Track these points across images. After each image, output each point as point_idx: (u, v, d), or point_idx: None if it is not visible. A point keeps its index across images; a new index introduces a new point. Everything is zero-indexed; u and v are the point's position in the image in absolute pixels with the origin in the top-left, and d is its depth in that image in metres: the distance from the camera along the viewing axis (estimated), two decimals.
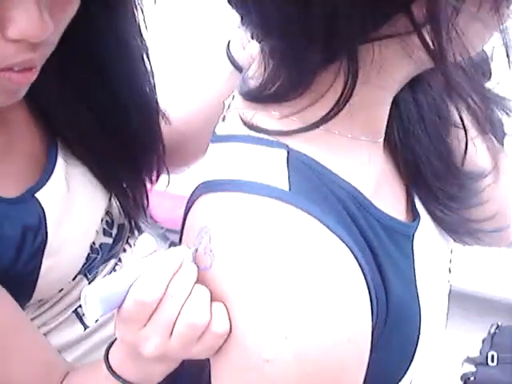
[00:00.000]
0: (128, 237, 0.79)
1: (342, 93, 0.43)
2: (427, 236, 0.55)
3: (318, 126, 0.46)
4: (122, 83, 0.70)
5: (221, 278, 0.44)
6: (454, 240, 0.59)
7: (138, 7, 0.66)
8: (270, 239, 0.43)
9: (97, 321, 0.76)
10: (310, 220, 0.43)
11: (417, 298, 0.51)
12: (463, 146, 0.56)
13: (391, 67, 0.44)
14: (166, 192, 0.94)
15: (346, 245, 0.44)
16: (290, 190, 0.44)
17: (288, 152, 0.46)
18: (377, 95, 0.47)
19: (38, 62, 0.54)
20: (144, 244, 0.47)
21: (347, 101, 0.44)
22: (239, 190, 0.45)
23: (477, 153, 0.57)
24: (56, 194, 0.67)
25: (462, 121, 0.54)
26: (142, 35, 0.69)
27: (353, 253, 0.44)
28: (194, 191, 0.50)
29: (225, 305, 0.44)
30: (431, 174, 0.54)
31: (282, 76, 0.45)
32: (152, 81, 0.73)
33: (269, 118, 0.47)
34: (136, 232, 0.80)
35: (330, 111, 0.45)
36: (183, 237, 0.51)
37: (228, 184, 0.46)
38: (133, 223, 0.78)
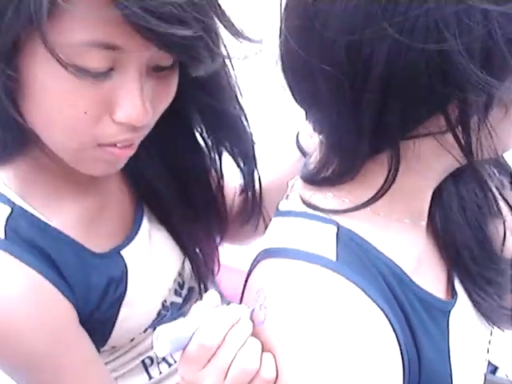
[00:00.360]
0: (196, 299, 0.87)
1: (386, 180, 0.51)
2: (464, 315, 0.59)
3: (364, 207, 0.53)
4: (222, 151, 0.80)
5: (271, 332, 0.51)
6: (489, 324, 0.63)
7: (235, 83, 0.74)
8: (314, 301, 0.49)
9: (161, 373, 0.83)
10: (351, 286, 0.49)
11: (449, 370, 0.55)
12: (502, 234, 0.61)
13: (429, 160, 0.51)
14: (234, 268, 1.02)
15: (383, 311, 0.49)
16: (336, 260, 0.51)
17: (338, 228, 0.53)
18: (418, 183, 0.54)
19: (136, 140, 0.64)
20: (210, 298, 0.55)
21: (389, 187, 0.51)
22: (293, 257, 0.52)
23: None
24: (138, 252, 0.76)
25: (499, 211, 0.60)
26: (238, 101, 0.76)
27: (388, 319, 0.50)
28: (256, 257, 0.57)
29: (273, 355, 0.50)
30: (470, 258, 0.60)
31: (335, 164, 0.53)
32: (252, 140, 0.81)
33: (323, 198, 0.55)
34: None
35: (375, 195, 0.52)
36: (244, 296, 0.58)
37: (284, 252, 0.53)
38: (202, 286, 0.86)
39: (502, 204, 0.62)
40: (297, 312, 0.50)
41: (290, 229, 0.55)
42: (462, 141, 0.47)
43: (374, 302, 0.50)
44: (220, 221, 0.86)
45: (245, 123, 0.78)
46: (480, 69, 0.43)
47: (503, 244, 0.61)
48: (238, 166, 0.81)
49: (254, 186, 0.84)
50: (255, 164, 0.82)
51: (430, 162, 0.52)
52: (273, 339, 0.51)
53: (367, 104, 0.46)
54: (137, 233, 0.77)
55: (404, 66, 0.44)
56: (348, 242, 0.53)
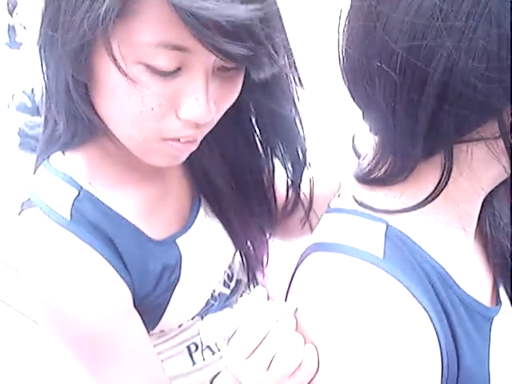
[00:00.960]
0: (243, 291, 0.90)
1: (438, 183, 0.52)
2: (507, 324, 0.60)
3: (415, 209, 0.54)
4: (275, 152, 0.83)
5: (314, 324, 0.53)
6: None
7: (294, 87, 0.76)
8: (358, 296, 0.51)
9: (204, 359, 0.86)
10: (395, 283, 0.51)
11: (488, 378, 0.55)
12: None
13: (481, 167, 0.52)
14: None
15: (426, 310, 0.51)
16: (383, 257, 0.53)
17: (387, 227, 0.55)
18: (469, 189, 0.54)
19: (199, 136, 0.67)
20: (258, 293, 0.58)
21: (441, 190, 0.52)
22: (341, 251, 0.54)
23: None
24: (193, 242, 0.79)
25: None
26: (295, 104, 0.78)
27: (431, 319, 0.51)
28: (305, 251, 0.60)
29: (315, 347, 0.52)
30: None
31: (388, 164, 0.55)
32: (304, 144, 0.83)
33: (374, 197, 0.57)
34: (252, 287, 0.90)
35: (427, 198, 0.53)
36: (291, 287, 0.60)
37: (333, 246, 0.55)
38: (251, 278, 0.88)
39: None
40: (340, 305, 0.51)
41: (340, 225, 0.57)
42: None
43: (418, 300, 0.51)
44: (271, 216, 0.88)
45: (299, 127, 0.80)
46: None
47: None
48: (286, 168, 0.83)
49: (299, 189, 0.86)
50: (304, 168, 0.84)
51: (481, 168, 0.52)
52: (316, 331, 0.53)
53: (423, 107, 0.47)
54: (193, 223, 0.80)
55: (463, 73, 0.45)
56: (396, 241, 0.54)
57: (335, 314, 0.51)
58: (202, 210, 0.83)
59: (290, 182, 0.86)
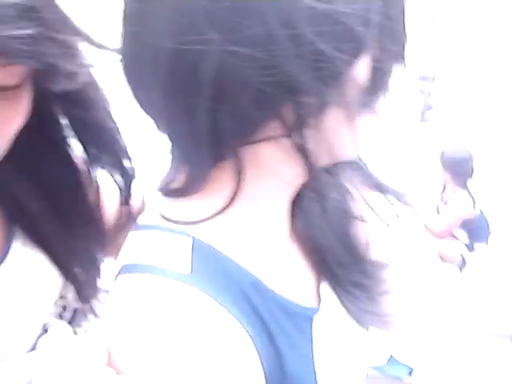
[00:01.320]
0: (81, 320, 0.84)
1: (232, 188, 0.50)
2: (332, 320, 0.59)
3: (215, 217, 0.52)
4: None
5: (123, 354, 0.48)
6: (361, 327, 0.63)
7: (104, 95, 0.71)
8: (165, 317, 0.47)
9: None
10: (204, 298, 0.48)
11: (314, 377, 0.54)
12: (366, 237, 0.61)
13: (279, 165, 0.50)
14: None
15: (240, 323, 0.48)
16: (191, 272, 0.49)
17: (193, 240, 0.51)
18: (271, 189, 0.53)
19: None
20: (58, 331, 0.53)
21: (236, 195, 0.50)
22: (146, 272, 0.50)
23: (381, 243, 0.63)
24: (6, 278, 0.72)
25: (362, 214, 0.60)
26: (112, 117, 0.73)
27: (246, 331, 0.48)
28: (117, 274, 0.55)
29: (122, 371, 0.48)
30: (335, 262, 0.59)
31: (182, 174, 0.52)
32: (128, 155, 0.78)
33: (178, 209, 0.53)
34: (91, 316, 0.84)
35: (224, 205, 0.51)
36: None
37: (138, 267, 0.51)
38: (86, 307, 0.82)
39: (365, 206, 0.62)
40: (148, 329, 0.47)
41: (143, 243, 0.53)
42: (301, 142, 0.46)
43: (231, 313, 0.48)
44: (100, 236, 0.83)
45: (118, 137, 0.76)
46: (310, 74, 0.43)
47: (367, 246, 0.61)
48: (115, 180, 0.79)
49: (130, 202, 0.82)
50: (131, 180, 0.80)
51: (278, 167, 0.51)
52: (125, 362, 0.48)
53: (201, 110, 0.45)
54: (5, 258, 0.73)
55: (234, 69, 0.43)
56: (203, 254, 0.51)
57: (143, 340, 0.47)
58: (17, 243, 0.75)
59: (120, 196, 0.81)
